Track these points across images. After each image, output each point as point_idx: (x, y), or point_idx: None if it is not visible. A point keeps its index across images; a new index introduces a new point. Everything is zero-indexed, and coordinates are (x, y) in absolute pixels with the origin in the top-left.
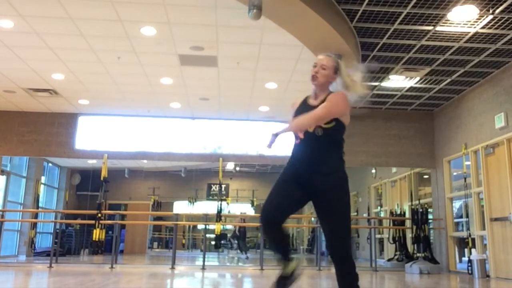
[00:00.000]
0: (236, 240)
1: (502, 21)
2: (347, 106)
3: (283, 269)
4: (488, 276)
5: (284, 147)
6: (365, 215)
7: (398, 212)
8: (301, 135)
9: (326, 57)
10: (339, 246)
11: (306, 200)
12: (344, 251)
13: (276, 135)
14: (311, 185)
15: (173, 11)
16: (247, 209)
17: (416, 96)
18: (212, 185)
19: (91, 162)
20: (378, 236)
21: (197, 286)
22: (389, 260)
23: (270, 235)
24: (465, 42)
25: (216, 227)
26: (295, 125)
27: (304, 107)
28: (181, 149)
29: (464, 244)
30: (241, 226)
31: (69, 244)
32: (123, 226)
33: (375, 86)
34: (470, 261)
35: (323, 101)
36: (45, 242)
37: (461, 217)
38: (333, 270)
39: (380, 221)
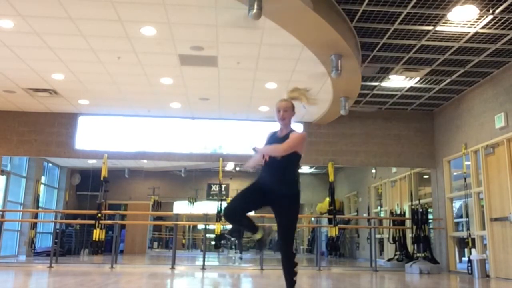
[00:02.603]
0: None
1: (502, 21)
2: (302, 143)
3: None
4: (488, 276)
5: None
6: (365, 215)
7: (398, 212)
8: (267, 158)
9: (284, 102)
10: (284, 238)
11: (262, 205)
12: (286, 242)
13: (255, 150)
14: (270, 195)
15: (173, 11)
16: None
17: (416, 96)
18: (212, 185)
19: (91, 162)
20: (378, 236)
21: (197, 286)
22: (389, 260)
23: (232, 221)
24: (465, 42)
25: (216, 227)
26: (266, 150)
27: (274, 138)
28: (181, 149)
29: (464, 244)
30: None
31: (69, 244)
32: (123, 226)
33: (375, 86)
34: (470, 261)
35: (287, 135)
36: (45, 242)
37: (461, 217)
38: (333, 270)
39: (380, 221)
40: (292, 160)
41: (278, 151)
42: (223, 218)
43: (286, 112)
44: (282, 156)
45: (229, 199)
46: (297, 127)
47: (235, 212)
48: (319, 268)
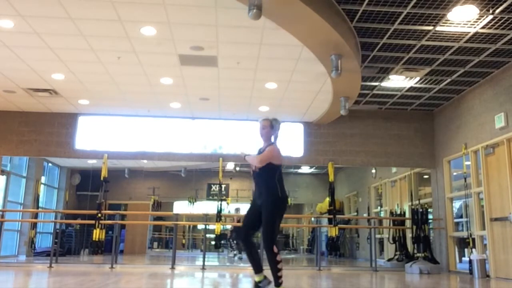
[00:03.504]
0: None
1: (502, 21)
2: (273, 155)
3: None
4: (488, 276)
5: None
6: (365, 215)
7: (398, 212)
8: (255, 169)
9: (264, 121)
10: (265, 237)
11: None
12: (266, 239)
13: (244, 156)
14: (258, 202)
15: (173, 11)
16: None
17: (416, 96)
18: (212, 185)
19: (91, 162)
20: (378, 236)
21: (197, 286)
22: (389, 260)
23: (240, 241)
24: (465, 42)
25: (216, 227)
26: (248, 159)
27: (259, 151)
28: (181, 149)
29: (464, 244)
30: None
31: (69, 244)
32: (123, 226)
33: (375, 86)
34: (470, 261)
35: (264, 149)
36: (45, 242)
37: (461, 217)
38: (333, 270)
39: (380, 221)
40: (269, 170)
41: (254, 161)
42: (223, 218)
43: (264, 129)
44: (260, 168)
45: (229, 199)
46: (276, 142)
47: (241, 232)
48: (319, 268)
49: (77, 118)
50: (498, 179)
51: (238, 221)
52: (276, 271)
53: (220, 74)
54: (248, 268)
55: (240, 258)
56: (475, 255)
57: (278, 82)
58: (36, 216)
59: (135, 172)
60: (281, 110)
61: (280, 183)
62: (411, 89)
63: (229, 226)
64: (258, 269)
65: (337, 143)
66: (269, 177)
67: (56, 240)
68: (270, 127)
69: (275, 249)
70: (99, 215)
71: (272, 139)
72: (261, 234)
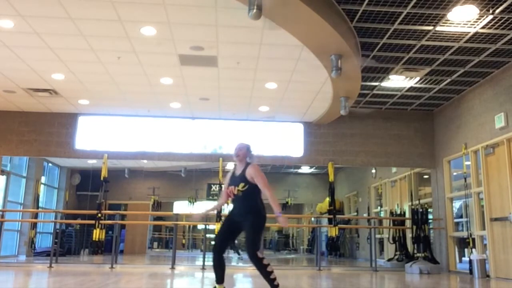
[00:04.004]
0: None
1: (502, 21)
2: (261, 172)
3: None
4: (488, 276)
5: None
6: (365, 215)
7: (398, 212)
8: (232, 196)
9: (240, 145)
10: (252, 254)
11: (238, 230)
12: (253, 254)
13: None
14: (238, 220)
15: (173, 11)
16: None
17: (416, 96)
18: (212, 185)
19: (91, 162)
20: (378, 236)
21: (197, 286)
22: (389, 260)
23: (214, 258)
24: (465, 42)
25: (216, 227)
26: (275, 204)
27: (234, 177)
28: (181, 149)
29: (464, 244)
30: None
31: (69, 244)
32: (123, 226)
33: (375, 86)
34: (470, 261)
35: (244, 170)
36: (45, 242)
37: (461, 217)
38: (333, 270)
39: (380, 221)
40: (254, 190)
41: (265, 188)
42: (223, 218)
43: (238, 154)
44: (241, 191)
45: (229, 199)
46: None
47: (216, 249)
48: (319, 268)
49: (77, 118)
50: (498, 179)
51: None
52: (268, 274)
53: (220, 74)
54: (248, 268)
55: (241, 259)
56: (475, 255)
57: (278, 82)
58: (36, 216)
59: (135, 172)
60: (281, 110)
61: (261, 201)
62: (411, 89)
63: None
64: (221, 279)
65: (337, 143)
66: (255, 197)
67: (56, 240)
68: (247, 150)
69: (260, 255)
70: (99, 215)
71: (248, 160)
72: (246, 248)
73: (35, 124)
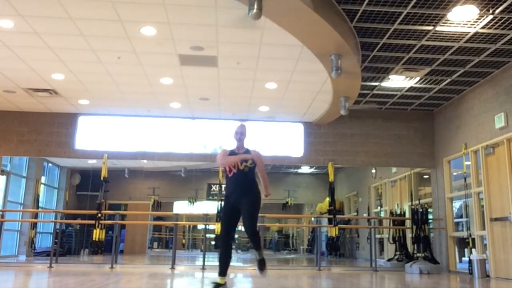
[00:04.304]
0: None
1: (502, 21)
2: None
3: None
4: (488, 276)
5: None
6: (365, 215)
7: (398, 212)
8: (235, 169)
9: (241, 126)
10: (254, 228)
11: (238, 213)
12: (255, 228)
13: (244, 160)
14: (240, 203)
15: (173, 11)
16: None
17: (416, 96)
18: (212, 185)
19: (91, 162)
20: (378, 236)
21: (197, 286)
22: (389, 260)
23: (223, 246)
24: (465, 42)
25: (216, 227)
26: (259, 161)
27: (234, 154)
28: (181, 149)
29: (464, 244)
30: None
31: (69, 244)
32: (123, 226)
33: (375, 86)
34: (470, 261)
35: (247, 151)
36: (45, 242)
37: (461, 217)
38: (333, 270)
39: (380, 221)
40: (253, 170)
41: (264, 172)
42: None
43: (242, 135)
44: (249, 166)
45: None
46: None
47: (226, 239)
48: (319, 268)
49: (77, 118)
50: (498, 179)
51: None
52: (260, 242)
53: (220, 74)
54: (248, 268)
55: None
56: (475, 255)
57: (278, 82)
58: (36, 216)
59: (135, 172)
60: (281, 110)
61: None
62: (411, 89)
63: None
64: (225, 272)
65: (337, 143)
66: (254, 176)
67: (56, 240)
68: (246, 133)
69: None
70: (99, 215)
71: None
72: (247, 225)
73: (35, 124)
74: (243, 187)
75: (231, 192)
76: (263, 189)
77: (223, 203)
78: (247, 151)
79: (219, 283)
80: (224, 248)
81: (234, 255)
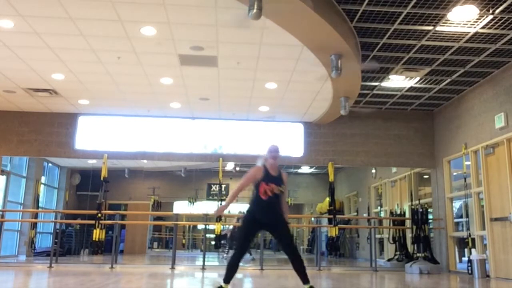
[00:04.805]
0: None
1: (502, 21)
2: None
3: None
4: (488, 276)
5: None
6: (365, 215)
7: (398, 212)
8: (271, 194)
9: (276, 146)
10: (293, 245)
11: (258, 232)
12: (295, 247)
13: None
14: (270, 225)
15: (173, 11)
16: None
17: (416, 96)
18: (212, 185)
19: (91, 162)
20: (378, 236)
21: (197, 286)
22: (389, 260)
23: (239, 258)
24: (465, 42)
25: (216, 227)
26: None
27: (271, 176)
28: (181, 149)
29: (464, 244)
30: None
31: (69, 244)
32: (123, 226)
33: (375, 86)
34: (470, 261)
35: (279, 173)
36: (45, 242)
37: (461, 217)
38: (333, 270)
39: (380, 221)
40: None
41: (286, 197)
42: (223, 218)
43: (278, 154)
44: (281, 194)
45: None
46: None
47: (241, 250)
48: (319, 268)
49: (77, 118)
50: (498, 179)
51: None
52: (305, 268)
53: (220, 74)
54: (248, 268)
55: (253, 259)
56: (475, 255)
57: (278, 82)
58: (36, 216)
59: (135, 172)
60: (281, 110)
61: None
62: (411, 89)
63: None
64: (230, 280)
65: (337, 143)
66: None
67: (56, 240)
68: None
69: None
70: (99, 215)
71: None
72: (289, 247)
73: (35, 124)
74: (275, 211)
75: (263, 215)
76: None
77: (246, 215)
78: (280, 173)
79: None
80: (238, 258)
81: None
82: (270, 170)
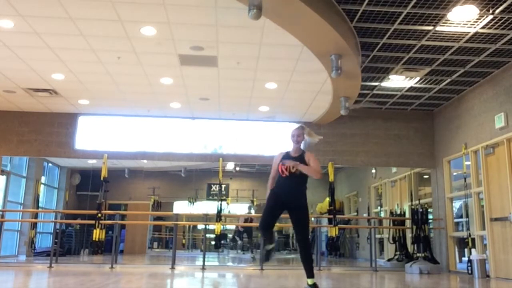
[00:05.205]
0: (239, 238)
1: (502, 21)
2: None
3: (266, 246)
4: (488, 276)
5: (285, 148)
6: (365, 215)
7: (398, 212)
8: (287, 173)
9: (298, 128)
10: (305, 234)
11: (282, 211)
12: (306, 237)
13: (285, 163)
14: (289, 204)
15: (173, 11)
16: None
17: (416, 96)
18: (212, 185)
19: (91, 162)
20: (378, 236)
21: (197, 286)
22: (389, 260)
23: (265, 234)
24: (465, 42)
25: (216, 227)
26: (299, 166)
27: (289, 157)
28: (181, 149)
29: (464, 244)
30: (246, 226)
31: (69, 244)
32: (123, 226)
33: (375, 86)
34: (470, 261)
35: (300, 155)
36: (45, 242)
37: (461, 217)
38: (333, 270)
39: (380, 221)
40: (306, 177)
41: (316, 172)
42: (223, 218)
43: (299, 137)
44: (301, 174)
45: (229, 199)
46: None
47: (269, 225)
48: (319, 268)
49: (77, 118)
50: (498, 179)
51: (251, 220)
52: (311, 255)
53: (220, 74)
54: (248, 268)
55: (253, 258)
56: (475, 255)
57: (278, 82)
58: (36, 216)
59: (135, 172)
60: (281, 110)
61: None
62: (411, 89)
63: (232, 227)
64: (274, 240)
65: (337, 143)
66: (305, 183)
67: (56, 240)
68: (303, 134)
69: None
70: (99, 215)
71: (302, 146)
72: (300, 235)
73: (35, 124)
74: (293, 191)
75: (283, 192)
76: (303, 167)
77: (269, 192)
78: (302, 154)
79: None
80: (266, 231)
81: (235, 255)
82: (292, 153)
